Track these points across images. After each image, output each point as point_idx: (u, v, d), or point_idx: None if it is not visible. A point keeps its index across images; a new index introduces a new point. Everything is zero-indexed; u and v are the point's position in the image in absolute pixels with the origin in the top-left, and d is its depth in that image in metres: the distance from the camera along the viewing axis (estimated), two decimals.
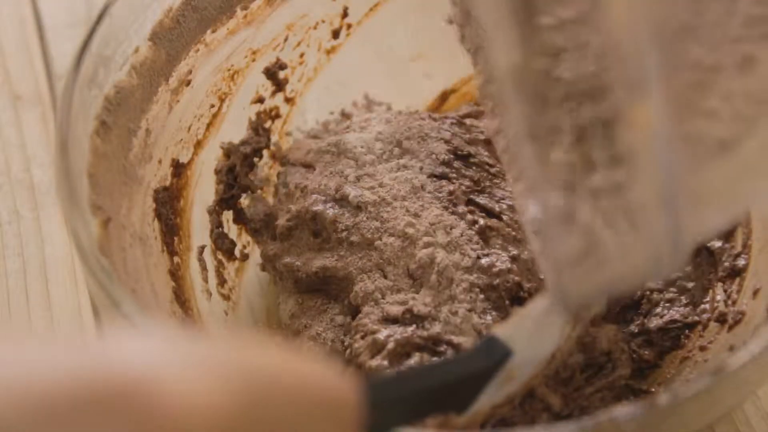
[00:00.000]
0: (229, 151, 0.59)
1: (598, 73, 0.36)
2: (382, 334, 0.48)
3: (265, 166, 0.60)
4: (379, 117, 0.58)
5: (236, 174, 0.59)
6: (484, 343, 0.41)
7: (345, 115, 0.64)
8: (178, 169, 0.54)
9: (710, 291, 0.53)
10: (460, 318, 0.48)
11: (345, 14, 0.62)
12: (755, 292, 0.49)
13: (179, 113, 0.54)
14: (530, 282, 0.50)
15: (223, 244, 0.57)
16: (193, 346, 0.29)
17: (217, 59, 0.56)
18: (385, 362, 0.47)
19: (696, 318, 0.52)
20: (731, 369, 0.38)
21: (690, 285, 0.54)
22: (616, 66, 0.35)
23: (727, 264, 0.53)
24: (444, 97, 0.66)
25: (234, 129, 0.59)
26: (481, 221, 0.52)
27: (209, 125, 0.57)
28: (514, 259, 0.50)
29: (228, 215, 0.59)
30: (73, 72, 0.46)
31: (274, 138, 0.61)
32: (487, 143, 0.56)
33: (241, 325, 0.56)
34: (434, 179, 0.54)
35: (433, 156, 0.55)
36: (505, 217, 0.52)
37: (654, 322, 0.53)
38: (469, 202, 0.53)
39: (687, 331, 0.52)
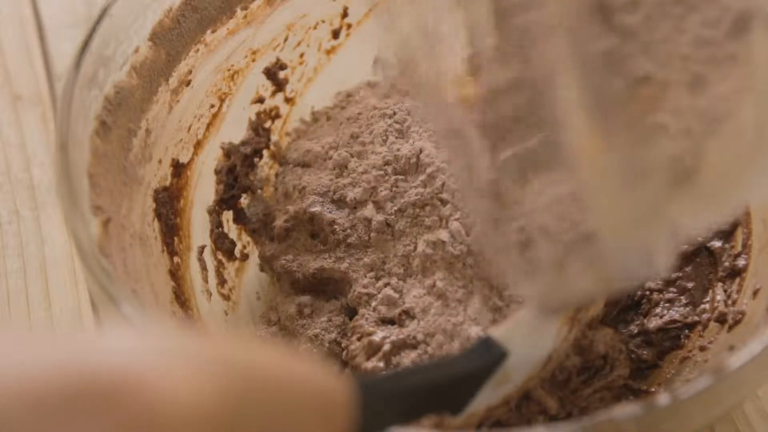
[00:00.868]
0: (229, 152, 0.59)
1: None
2: (378, 335, 0.48)
3: (265, 166, 0.60)
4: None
5: (236, 174, 0.59)
6: (480, 344, 0.41)
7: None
8: (178, 169, 0.54)
9: (710, 291, 0.53)
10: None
11: (345, 14, 0.62)
12: (755, 292, 0.49)
13: (179, 113, 0.54)
14: None
15: (223, 244, 0.57)
16: (181, 343, 0.29)
17: (217, 59, 0.56)
18: (381, 364, 0.47)
19: (696, 318, 0.52)
20: (731, 369, 0.38)
21: (690, 285, 0.54)
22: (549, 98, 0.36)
23: (727, 264, 0.53)
24: None
25: (234, 129, 0.59)
26: None
27: (209, 125, 0.57)
28: None
29: (228, 215, 0.59)
30: (73, 72, 0.46)
31: (274, 138, 0.61)
32: None
33: (241, 325, 0.56)
34: None
35: None
36: None
37: (654, 322, 0.53)
38: None
39: (687, 331, 0.52)
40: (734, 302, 0.51)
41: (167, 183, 0.53)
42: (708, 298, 0.53)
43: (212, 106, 0.57)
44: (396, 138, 0.54)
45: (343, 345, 0.50)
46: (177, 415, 0.26)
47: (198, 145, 0.56)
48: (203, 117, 0.57)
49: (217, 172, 0.58)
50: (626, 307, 0.54)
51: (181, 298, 0.51)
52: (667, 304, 0.53)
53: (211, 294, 0.55)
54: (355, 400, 0.31)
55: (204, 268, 0.55)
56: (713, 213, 0.40)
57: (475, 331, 0.47)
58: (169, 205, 0.53)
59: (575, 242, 0.38)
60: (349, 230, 0.53)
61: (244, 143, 0.60)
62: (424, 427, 0.39)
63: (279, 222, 0.55)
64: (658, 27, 0.36)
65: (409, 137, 0.53)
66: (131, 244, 0.47)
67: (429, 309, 0.48)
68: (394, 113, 0.55)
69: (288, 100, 0.62)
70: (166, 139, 0.53)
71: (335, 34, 0.62)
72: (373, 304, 0.50)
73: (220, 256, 0.57)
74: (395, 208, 0.52)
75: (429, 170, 0.51)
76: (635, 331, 0.53)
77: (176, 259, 0.53)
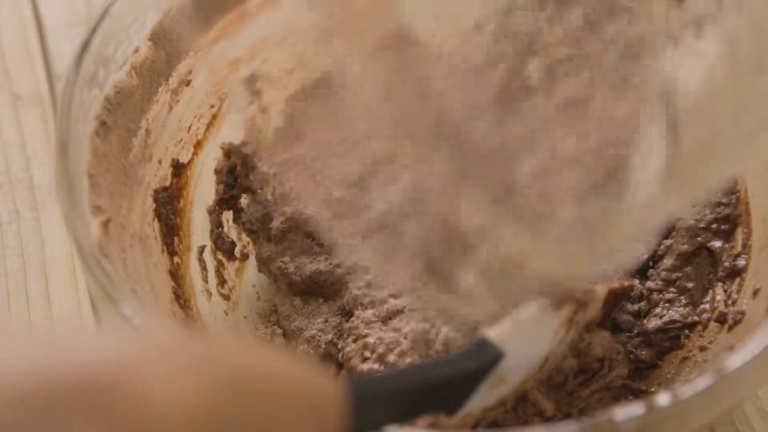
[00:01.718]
0: (229, 152, 0.59)
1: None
2: (373, 337, 0.48)
3: (265, 166, 0.60)
4: None
5: (237, 174, 0.59)
6: (476, 344, 0.41)
7: None
8: (178, 169, 0.54)
9: (710, 291, 0.53)
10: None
11: None
12: (755, 292, 0.49)
13: (179, 113, 0.54)
14: None
15: (223, 244, 0.57)
16: (173, 343, 0.29)
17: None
18: (377, 365, 0.47)
19: (696, 318, 0.52)
20: (731, 369, 0.38)
21: (690, 285, 0.54)
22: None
23: (727, 264, 0.53)
24: None
25: (234, 129, 0.59)
26: None
27: (209, 125, 0.57)
28: None
29: (228, 215, 0.59)
30: (73, 72, 0.46)
31: None
32: None
33: (241, 326, 0.56)
34: None
35: None
36: None
37: (653, 323, 0.53)
38: None
39: (687, 331, 0.52)
40: (734, 302, 0.51)
41: (167, 183, 0.53)
42: (708, 298, 0.53)
43: (212, 106, 0.57)
44: None
45: (339, 346, 0.50)
46: (165, 414, 0.25)
47: (198, 145, 0.56)
48: (203, 117, 0.57)
49: (217, 172, 0.58)
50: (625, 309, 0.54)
51: (181, 298, 0.51)
52: (667, 304, 0.53)
53: (211, 294, 0.55)
54: (348, 401, 0.31)
55: (204, 268, 0.55)
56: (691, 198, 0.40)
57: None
58: (169, 205, 0.53)
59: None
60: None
61: (244, 143, 0.59)
62: (419, 427, 0.39)
63: (276, 223, 0.55)
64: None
65: None
66: (131, 244, 0.47)
67: None
68: None
69: None
70: (166, 139, 0.53)
71: None
72: (369, 305, 0.50)
73: (220, 256, 0.57)
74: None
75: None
76: (635, 332, 0.53)
77: (176, 259, 0.53)
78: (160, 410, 0.25)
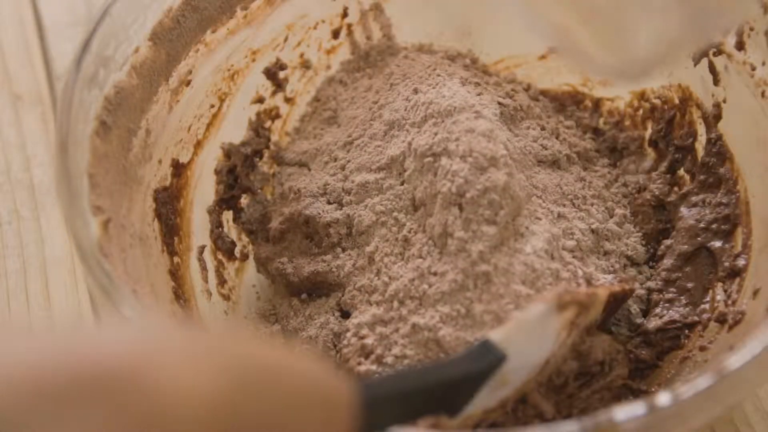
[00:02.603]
0: (229, 152, 0.59)
1: None
2: (370, 338, 0.48)
3: (264, 166, 0.60)
4: None
5: (237, 175, 0.59)
6: (479, 347, 0.41)
7: None
8: (178, 169, 0.54)
9: (710, 291, 0.53)
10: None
11: (345, 14, 0.62)
12: (755, 292, 0.49)
13: (179, 113, 0.54)
14: None
15: (223, 244, 0.57)
16: (188, 336, 0.29)
17: (217, 59, 0.56)
18: (374, 367, 0.47)
19: (696, 318, 0.52)
20: (731, 369, 0.38)
21: (690, 285, 0.54)
22: None
23: (727, 264, 0.53)
24: None
25: (234, 129, 0.59)
26: None
27: (209, 125, 0.57)
28: None
29: (228, 215, 0.59)
30: (73, 72, 0.46)
31: (274, 138, 0.61)
32: None
33: (241, 325, 0.56)
34: None
35: None
36: None
37: (653, 323, 0.52)
38: None
39: (687, 331, 0.52)
40: (734, 302, 0.51)
41: (167, 183, 0.53)
42: (708, 298, 0.53)
43: (212, 106, 0.57)
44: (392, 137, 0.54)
45: (337, 347, 0.50)
46: (187, 408, 0.26)
47: (198, 145, 0.56)
48: (203, 117, 0.57)
49: (217, 172, 0.58)
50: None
51: (181, 298, 0.51)
52: (667, 304, 0.53)
53: (211, 294, 0.55)
54: (359, 401, 0.31)
55: (204, 268, 0.55)
56: None
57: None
58: (169, 205, 0.53)
59: None
60: (343, 233, 0.53)
61: (244, 143, 0.60)
62: (420, 428, 0.39)
63: (274, 224, 0.55)
64: None
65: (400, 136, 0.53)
66: (131, 244, 0.47)
67: None
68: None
69: (288, 100, 0.62)
70: (166, 139, 0.53)
71: (335, 34, 0.62)
72: (366, 306, 0.50)
73: (220, 256, 0.57)
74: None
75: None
76: (635, 332, 0.53)
77: (176, 259, 0.53)
78: (175, 400, 0.26)
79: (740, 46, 0.52)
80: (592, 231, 0.53)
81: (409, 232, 0.50)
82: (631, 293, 0.52)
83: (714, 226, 0.54)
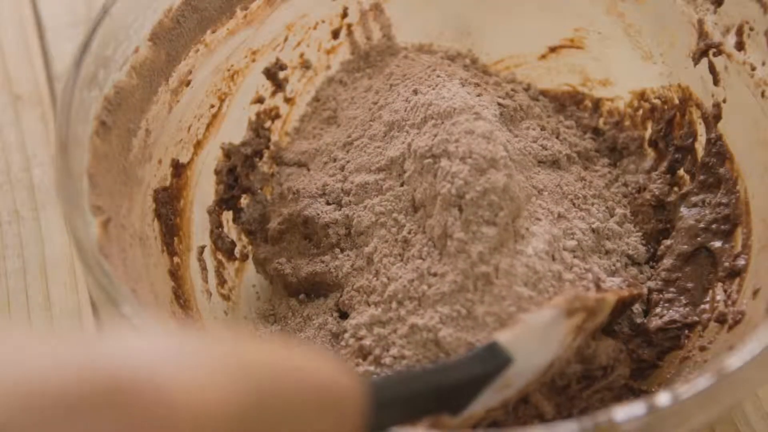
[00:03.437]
0: (229, 152, 0.59)
1: None
2: (368, 339, 0.48)
3: (264, 166, 0.60)
4: None
5: (237, 175, 0.59)
6: (486, 349, 0.41)
7: None
8: (178, 169, 0.54)
9: (710, 291, 0.53)
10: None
11: (345, 14, 0.62)
12: (755, 292, 0.49)
13: (179, 113, 0.54)
14: None
15: (223, 245, 0.57)
16: (197, 342, 0.29)
17: (217, 59, 0.56)
18: (372, 368, 0.47)
19: (696, 318, 0.52)
20: (731, 369, 0.38)
21: (690, 285, 0.54)
22: None
23: (727, 264, 0.53)
24: None
25: (234, 129, 0.59)
26: None
27: (209, 125, 0.57)
28: None
29: (228, 215, 0.59)
30: (73, 72, 0.46)
31: (274, 138, 0.61)
32: None
33: (241, 325, 0.56)
34: None
35: None
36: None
37: (654, 322, 0.52)
38: None
39: (687, 331, 0.52)
40: (734, 302, 0.51)
41: (167, 183, 0.53)
42: (708, 298, 0.53)
43: (212, 106, 0.57)
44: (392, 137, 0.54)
45: (335, 348, 0.50)
46: (202, 416, 0.26)
47: (198, 145, 0.56)
48: (203, 117, 0.57)
49: (217, 172, 0.58)
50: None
51: (181, 298, 0.51)
52: (667, 304, 0.53)
53: (211, 294, 0.55)
54: (369, 400, 0.31)
55: (204, 268, 0.55)
56: None
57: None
58: (169, 205, 0.53)
59: None
60: (342, 233, 0.53)
61: (244, 144, 0.60)
62: (420, 426, 0.39)
63: (273, 224, 0.55)
64: None
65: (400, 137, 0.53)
66: (131, 244, 0.47)
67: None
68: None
69: (288, 100, 0.62)
70: (166, 139, 0.53)
71: (335, 34, 0.62)
72: (364, 307, 0.50)
73: (220, 256, 0.57)
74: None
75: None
76: (635, 331, 0.53)
77: (176, 259, 0.53)
78: (191, 409, 0.26)
79: (740, 46, 0.52)
80: (593, 230, 0.53)
81: (409, 233, 0.50)
82: (639, 297, 0.52)
83: (714, 226, 0.54)
